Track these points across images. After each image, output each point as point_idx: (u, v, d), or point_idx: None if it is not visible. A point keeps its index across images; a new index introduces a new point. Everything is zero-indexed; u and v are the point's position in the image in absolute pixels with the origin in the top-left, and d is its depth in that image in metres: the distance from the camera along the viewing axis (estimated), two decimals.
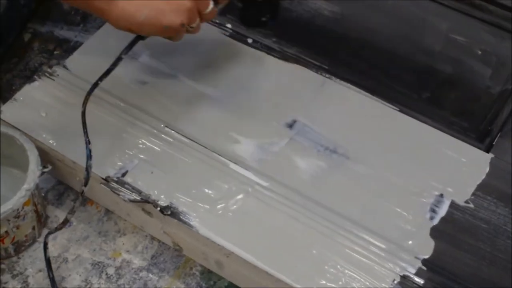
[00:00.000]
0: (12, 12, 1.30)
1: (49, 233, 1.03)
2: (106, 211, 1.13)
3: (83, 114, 1.03)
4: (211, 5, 1.01)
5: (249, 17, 1.11)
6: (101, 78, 1.04)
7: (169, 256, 1.09)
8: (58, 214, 1.13)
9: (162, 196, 1.04)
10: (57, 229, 1.03)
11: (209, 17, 1.03)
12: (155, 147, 1.09)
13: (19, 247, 1.08)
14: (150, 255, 1.09)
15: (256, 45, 1.23)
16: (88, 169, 1.01)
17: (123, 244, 1.10)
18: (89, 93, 1.03)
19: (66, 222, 1.02)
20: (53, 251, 1.08)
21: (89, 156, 1.01)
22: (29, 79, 1.21)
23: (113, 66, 1.04)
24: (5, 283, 1.06)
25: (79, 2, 0.98)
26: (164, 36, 1.01)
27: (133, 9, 0.94)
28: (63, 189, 1.16)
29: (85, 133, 1.03)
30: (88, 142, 1.02)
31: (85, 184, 1.01)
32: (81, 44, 1.26)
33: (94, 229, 1.11)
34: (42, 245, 1.03)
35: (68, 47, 1.33)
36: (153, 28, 0.97)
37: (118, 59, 1.04)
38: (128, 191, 1.05)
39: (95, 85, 1.03)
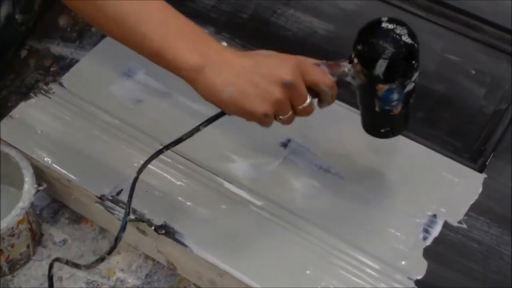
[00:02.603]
0: (10, 30, 1.30)
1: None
2: (100, 229, 1.13)
3: (135, 181, 0.96)
4: (308, 100, 0.92)
5: (367, 123, 1.01)
6: (167, 147, 0.96)
7: (163, 275, 1.09)
8: (53, 232, 1.13)
9: (157, 215, 1.04)
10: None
11: (306, 112, 0.93)
12: (150, 166, 1.09)
13: (14, 266, 1.08)
14: (144, 274, 1.09)
15: None
16: (117, 239, 0.97)
17: (118, 262, 1.10)
18: (148, 161, 0.97)
19: None
20: (47, 269, 1.07)
21: (123, 228, 0.97)
22: (25, 96, 1.21)
23: (186, 136, 0.95)
24: None
25: (166, 66, 0.91)
26: (247, 119, 0.92)
27: (219, 85, 0.88)
28: (58, 207, 1.16)
29: (129, 202, 0.96)
30: (127, 213, 0.97)
31: (109, 253, 0.98)
32: (77, 61, 1.27)
33: (89, 247, 1.11)
34: (36, 263, 1.03)
35: (64, 64, 1.34)
36: (235, 109, 0.90)
37: (196, 130, 0.94)
38: (122, 209, 1.05)
39: (159, 152, 0.96)
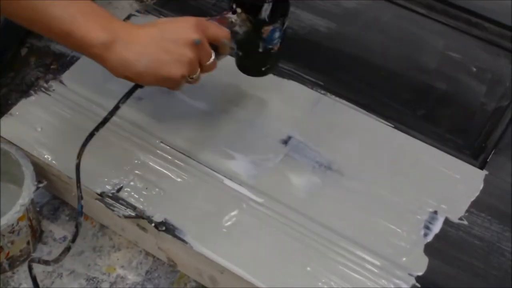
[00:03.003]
0: (10, 28, 1.30)
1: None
2: (101, 226, 1.13)
3: (78, 166, 0.98)
4: (212, 56, 0.97)
5: (249, 66, 1.09)
6: (97, 128, 0.99)
7: (163, 272, 1.09)
8: (53, 229, 1.13)
9: (157, 212, 1.04)
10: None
11: (210, 68, 0.98)
12: (150, 163, 1.10)
13: (14, 262, 1.08)
14: (145, 271, 1.09)
15: None
16: (78, 225, 0.98)
17: (118, 259, 1.10)
18: (84, 144, 0.98)
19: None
20: (48, 266, 1.07)
21: (80, 213, 0.98)
22: (25, 93, 1.21)
23: (109, 115, 0.99)
24: None
25: (76, 46, 0.92)
26: (162, 86, 0.96)
27: (132, 57, 0.91)
28: (58, 204, 1.16)
29: (78, 187, 0.98)
30: (80, 197, 0.98)
31: (73, 240, 0.98)
32: (77, 58, 1.27)
33: (89, 244, 1.11)
34: (36, 259, 1.03)
35: (65, 62, 1.34)
36: (152, 78, 0.93)
37: (116, 108, 0.99)
38: (122, 206, 1.05)
39: (91, 135, 0.98)
